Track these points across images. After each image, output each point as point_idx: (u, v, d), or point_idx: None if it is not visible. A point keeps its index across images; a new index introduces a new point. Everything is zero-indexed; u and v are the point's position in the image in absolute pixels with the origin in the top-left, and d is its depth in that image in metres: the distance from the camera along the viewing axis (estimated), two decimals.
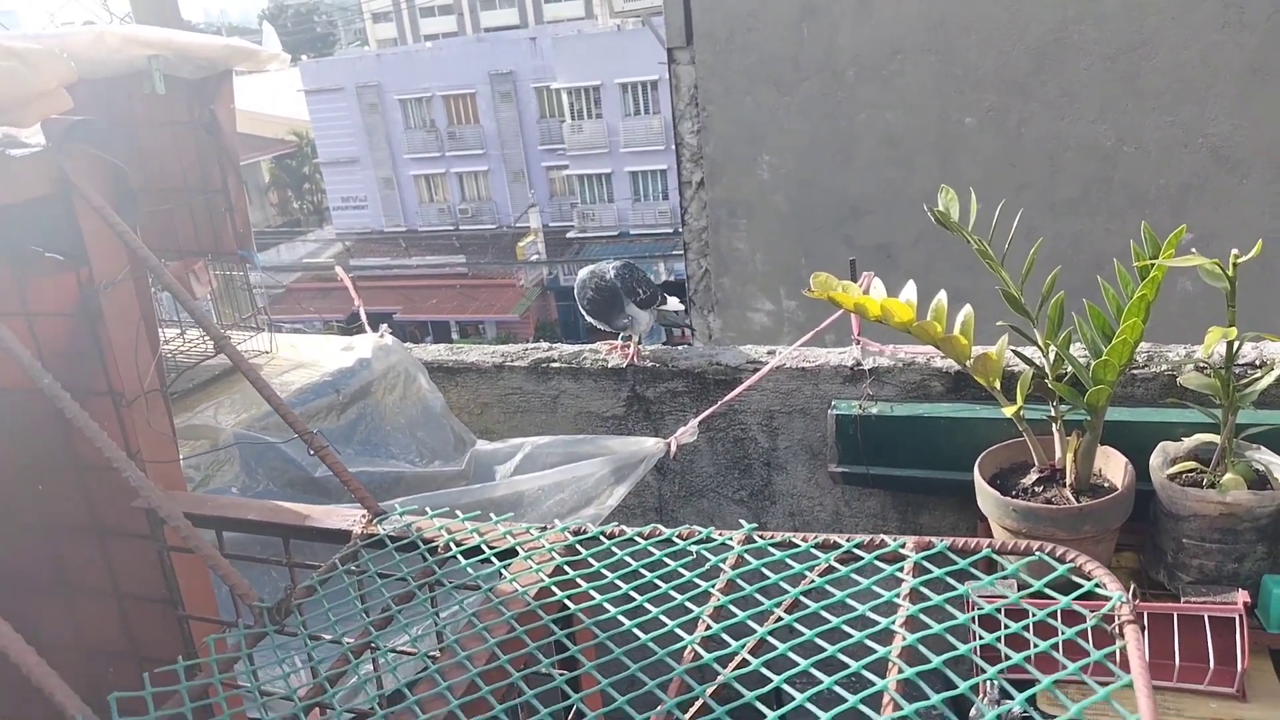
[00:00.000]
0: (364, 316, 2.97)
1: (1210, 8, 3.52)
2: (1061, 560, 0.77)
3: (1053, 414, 2.12)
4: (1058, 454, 2.14)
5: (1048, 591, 0.77)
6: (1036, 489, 2.13)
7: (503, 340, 25.38)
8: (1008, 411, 2.10)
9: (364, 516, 1.08)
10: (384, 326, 2.79)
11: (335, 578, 1.00)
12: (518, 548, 0.98)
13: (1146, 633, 1.90)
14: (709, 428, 2.71)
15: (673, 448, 2.45)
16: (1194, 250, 1.97)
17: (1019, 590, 0.82)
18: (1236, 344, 1.94)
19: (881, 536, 0.83)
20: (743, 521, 0.92)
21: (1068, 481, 2.10)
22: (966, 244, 2.09)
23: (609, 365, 2.78)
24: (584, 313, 2.67)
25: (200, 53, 2.36)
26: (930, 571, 0.79)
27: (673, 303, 2.83)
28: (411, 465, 2.46)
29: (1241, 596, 1.91)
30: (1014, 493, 2.14)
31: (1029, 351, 2.13)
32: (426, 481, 2.39)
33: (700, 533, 0.91)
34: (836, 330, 2.74)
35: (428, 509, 1.06)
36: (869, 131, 4.22)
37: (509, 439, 2.60)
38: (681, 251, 4.95)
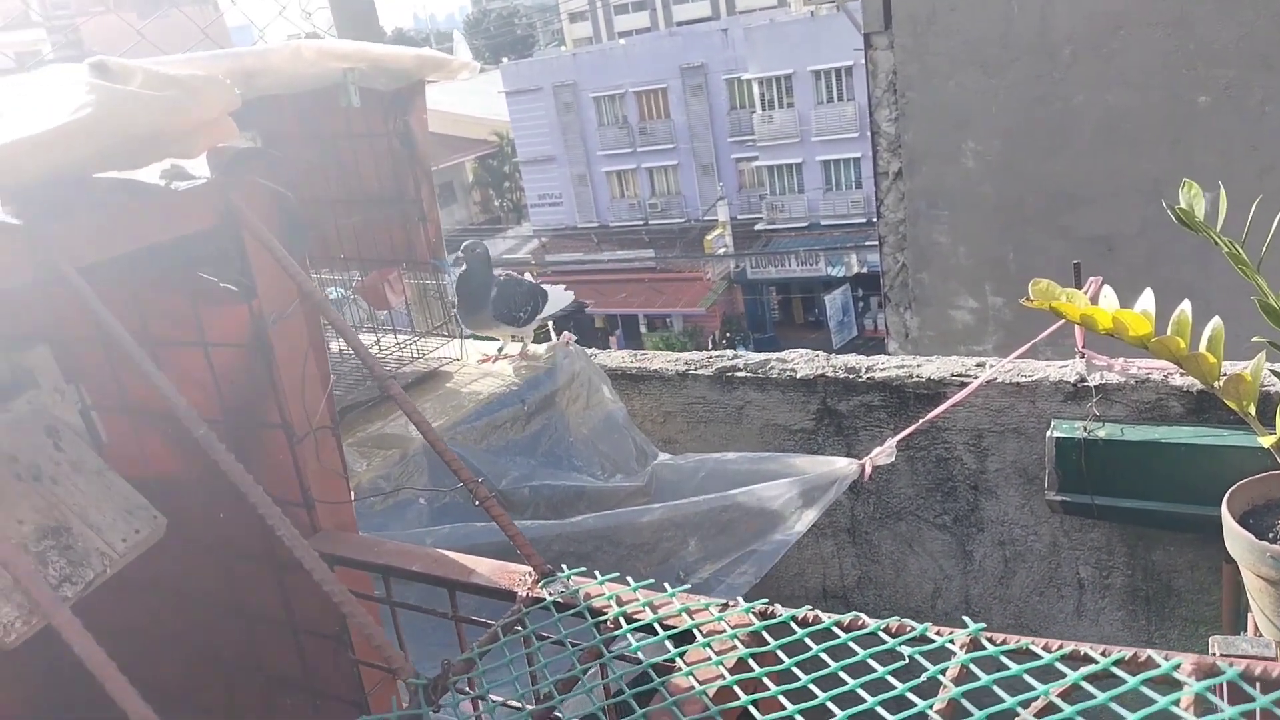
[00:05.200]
0: (550, 323, 2.94)
1: None
2: None
3: None
4: None
5: None
6: None
7: (690, 333, 25.54)
8: (1265, 441, 1.81)
9: (530, 576, 1.01)
10: (566, 333, 2.75)
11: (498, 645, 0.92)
12: (695, 630, 0.87)
13: None
14: (908, 445, 2.50)
15: (867, 469, 2.27)
16: None
17: None
18: None
19: (1149, 653, 0.66)
20: (967, 620, 0.76)
21: None
22: (1199, 236, 1.81)
23: (797, 375, 2.62)
24: None
25: (393, 64, 2.38)
26: (1214, 709, 0.61)
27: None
28: (594, 479, 2.41)
29: None
30: (1272, 535, 1.84)
31: None
32: (608, 497, 2.32)
33: (913, 629, 0.76)
34: (1053, 337, 2.47)
35: (596, 574, 0.97)
36: (1087, 115, 3.85)
37: (691, 454, 2.50)
38: (875, 243, 4.71)
